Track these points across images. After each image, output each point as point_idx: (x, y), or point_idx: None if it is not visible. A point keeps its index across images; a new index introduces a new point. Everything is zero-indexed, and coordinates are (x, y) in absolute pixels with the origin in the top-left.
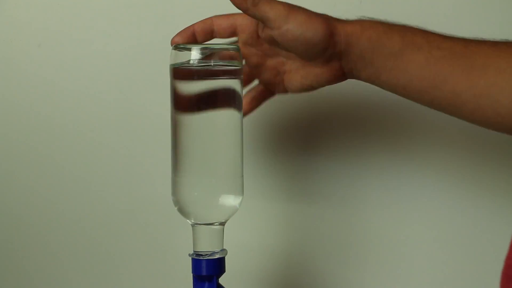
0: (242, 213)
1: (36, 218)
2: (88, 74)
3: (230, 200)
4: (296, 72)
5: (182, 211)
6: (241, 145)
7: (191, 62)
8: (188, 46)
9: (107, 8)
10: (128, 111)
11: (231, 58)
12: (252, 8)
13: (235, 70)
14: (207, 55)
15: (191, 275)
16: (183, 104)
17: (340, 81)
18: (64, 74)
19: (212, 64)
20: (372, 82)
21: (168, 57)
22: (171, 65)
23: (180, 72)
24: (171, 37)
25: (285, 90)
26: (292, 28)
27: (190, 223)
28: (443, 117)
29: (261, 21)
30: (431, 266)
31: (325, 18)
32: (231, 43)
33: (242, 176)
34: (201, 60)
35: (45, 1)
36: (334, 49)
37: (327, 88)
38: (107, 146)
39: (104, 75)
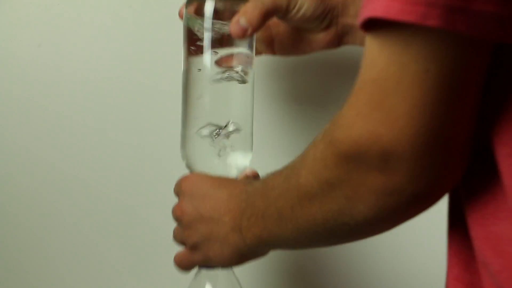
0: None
1: (36, 217)
2: (88, 74)
3: (239, 157)
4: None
5: (190, 165)
6: (252, 102)
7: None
8: None
9: (107, 8)
10: (128, 110)
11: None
12: None
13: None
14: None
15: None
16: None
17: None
18: (64, 74)
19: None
20: None
21: (168, 57)
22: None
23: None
24: (171, 38)
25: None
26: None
27: None
28: None
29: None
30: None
31: None
32: None
33: (252, 133)
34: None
35: (45, 1)
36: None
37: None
38: (107, 146)
39: (104, 75)
